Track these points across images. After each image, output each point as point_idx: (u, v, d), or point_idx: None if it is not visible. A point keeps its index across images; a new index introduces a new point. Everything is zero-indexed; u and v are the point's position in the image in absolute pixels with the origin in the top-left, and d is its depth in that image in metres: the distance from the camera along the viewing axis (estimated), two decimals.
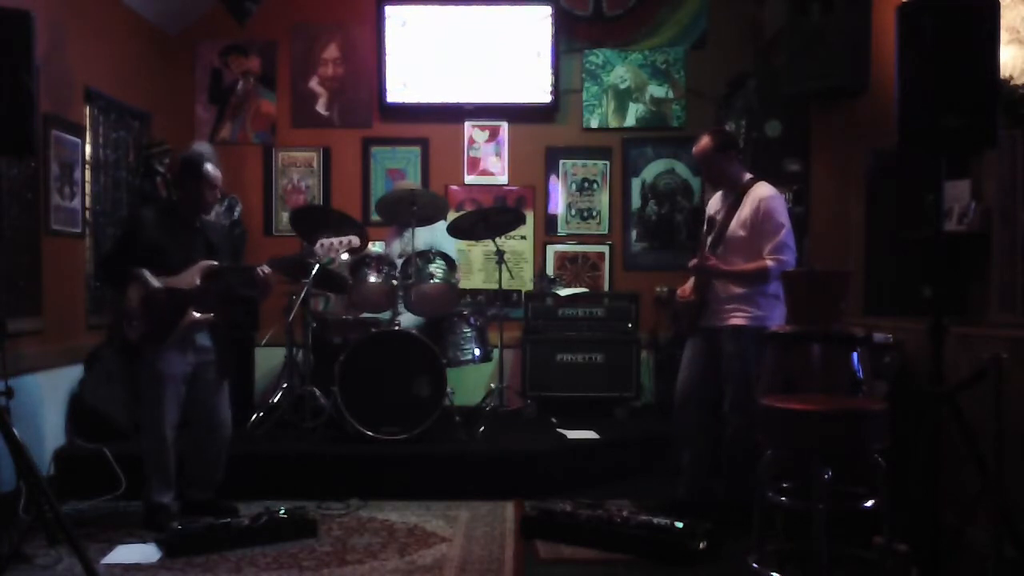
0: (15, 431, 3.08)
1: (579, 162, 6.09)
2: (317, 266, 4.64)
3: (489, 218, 4.98)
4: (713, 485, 3.93)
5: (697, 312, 3.87)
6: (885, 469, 2.96)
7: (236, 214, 5.49)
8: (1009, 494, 2.79)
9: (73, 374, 4.55)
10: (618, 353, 5.42)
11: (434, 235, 5.12)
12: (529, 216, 5.89)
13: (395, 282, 4.66)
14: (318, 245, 4.07)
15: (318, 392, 4.79)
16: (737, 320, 3.75)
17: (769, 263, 3.67)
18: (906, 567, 2.86)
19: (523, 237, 6.00)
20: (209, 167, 3.88)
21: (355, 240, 4.13)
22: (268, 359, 5.44)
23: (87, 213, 4.78)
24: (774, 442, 3.08)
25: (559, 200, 6.10)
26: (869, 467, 2.97)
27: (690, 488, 3.96)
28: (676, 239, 6.02)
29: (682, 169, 6.01)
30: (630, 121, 6.06)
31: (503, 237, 5.21)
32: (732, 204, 3.82)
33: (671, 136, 6.02)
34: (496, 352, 5.10)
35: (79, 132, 4.68)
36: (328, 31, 6.04)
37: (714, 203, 4.00)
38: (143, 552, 3.51)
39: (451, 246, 5.26)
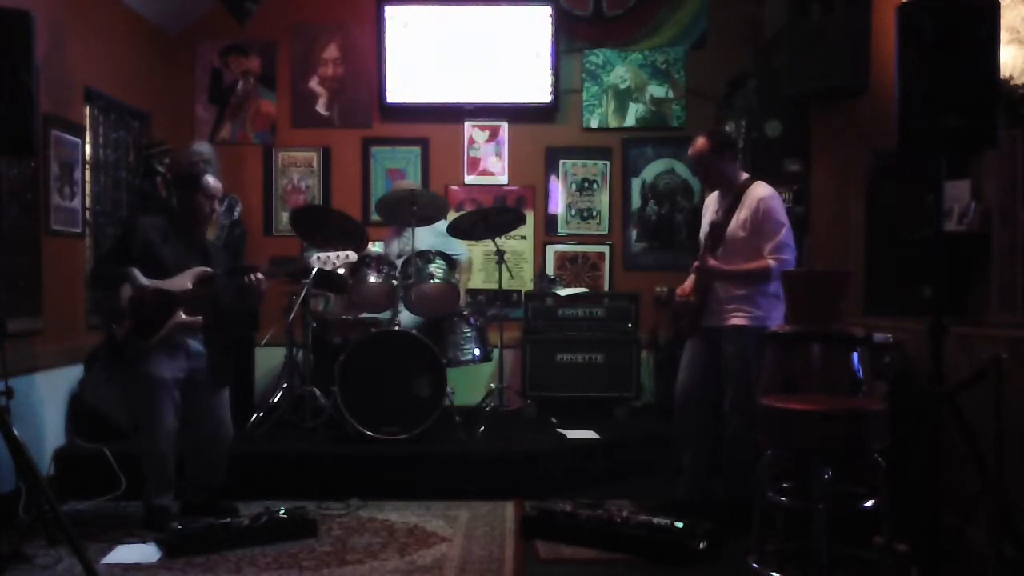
0: (15, 431, 3.08)
1: (579, 162, 6.09)
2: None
3: (489, 218, 4.98)
4: (713, 485, 3.93)
5: (697, 313, 3.86)
6: (885, 469, 2.96)
7: (236, 214, 5.49)
8: (1009, 494, 2.79)
9: (73, 374, 4.55)
10: (618, 353, 5.42)
11: (438, 237, 5.11)
12: (529, 216, 5.89)
13: (395, 282, 4.66)
14: (314, 258, 4.08)
15: (318, 392, 4.80)
16: (737, 320, 3.75)
17: (770, 263, 3.67)
18: (906, 567, 2.86)
19: (523, 237, 6.00)
20: (208, 179, 3.88)
21: (352, 255, 4.15)
22: (268, 359, 5.44)
23: (87, 213, 4.78)
24: (774, 442, 3.08)
25: (559, 200, 6.10)
26: (869, 467, 2.97)
27: (690, 488, 3.96)
28: (676, 239, 6.02)
29: (682, 169, 6.01)
30: (630, 121, 6.06)
31: (503, 237, 5.21)
32: (730, 205, 3.81)
33: (671, 136, 6.02)
34: (496, 352, 5.10)
35: (79, 132, 4.68)
36: (328, 31, 6.04)
37: (711, 204, 3.99)
38: (143, 552, 3.51)
39: (460, 247, 5.26)
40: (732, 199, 3.81)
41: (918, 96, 2.80)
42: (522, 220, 5.20)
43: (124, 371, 3.83)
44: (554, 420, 5.14)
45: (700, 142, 3.86)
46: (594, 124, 6.07)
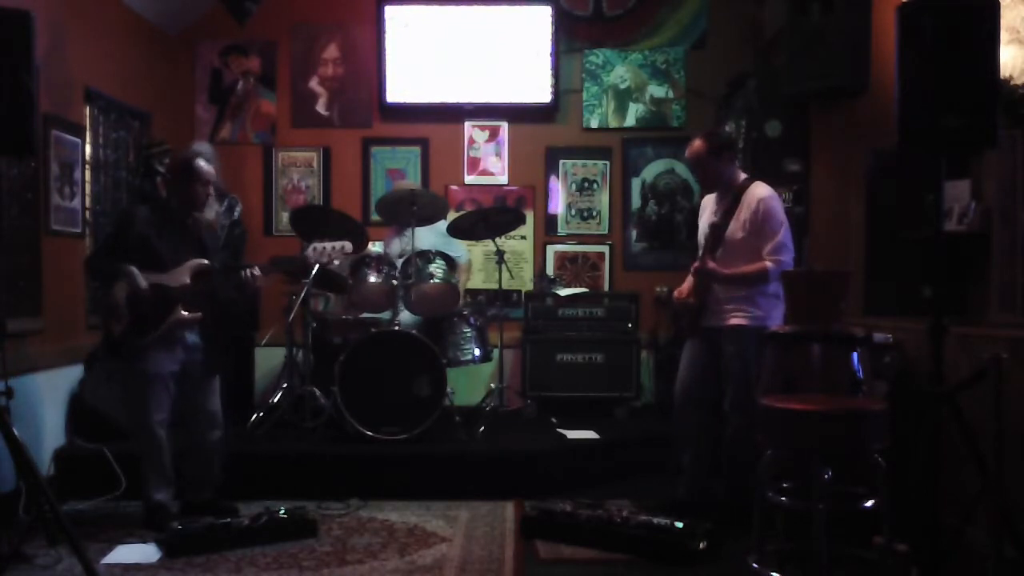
0: (15, 431, 3.08)
1: (579, 162, 6.09)
2: (317, 266, 4.65)
3: (489, 218, 4.98)
4: (713, 485, 3.93)
5: (697, 314, 3.86)
6: (885, 469, 2.96)
7: (236, 214, 5.49)
8: (1009, 494, 2.79)
9: (73, 374, 4.55)
10: (618, 353, 5.42)
11: (438, 238, 5.11)
12: (529, 216, 5.89)
13: (395, 282, 4.66)
14: (311, 249, 4.07)
15: (318, 392, 4.79)
16: (737, 320, 3.75)
17: (768, 265, 3.66)
18: (906, 567, 2.86)
19: (523, 237, 6.00)
20: (200, 162, 3.87)
21: (348, 246, 4.14)
22: (268, 359, 5.44)
23: (87, 213, 4.78)
24: (774, 442, 3.08)
25: (559, 200, 6.10)
26: (869, 467, 2.97)
27: (690, 488, 3.95)
28: (676, 239, 6.02)
29: (682, 169, 6.01)
30: (630, 121, 6.06)
31: (503, 237, 5.21)
32: (729, 206, 3.79)
33: (671, 136, 6.01)
34: (496, 352, 5.10)
35: (79, 132, 4.68)
36: (328, 31, 6.04)
37: (708, 204, 3.97)
38: (143, 552, 3.51)
39: (460, 249, 5.26)
40: (731, 200, 3.80)
41: (918, 96, 2.80)
42: (522, 220, 5.20)
43: (121, 367, 3.83)
44: (554, 420, 5.14)
45: (697, 144, 3.85)
46: (594, 124, 6.07)
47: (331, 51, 6.04)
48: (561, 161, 6.08)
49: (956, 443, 2.87)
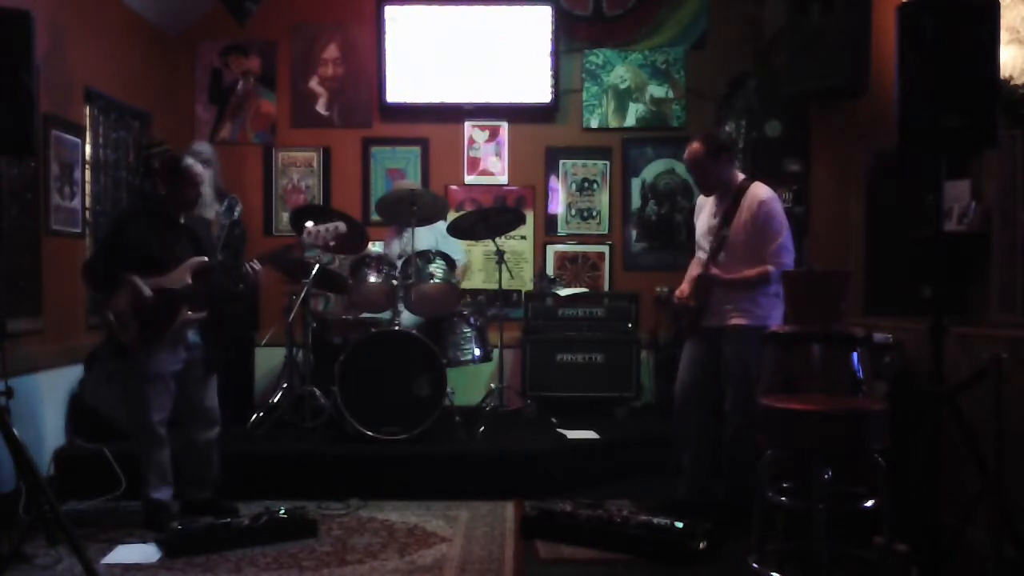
0: (15, 431, 3.08)
1: (579, 162, 6.09)
2: (317, 266, 4.65)
3: (489, 218, 4.98)
4: (713, 485, 3.93)
5: (698, 315, 3.85)
6: (885, 469, 2.96)
7: (236, 214, 5.48)
8: (1009, 494, 2.79)
9: (73, 374, 4.55)
10: (618, 353, 5.42)
11: (438, 236, 5.12)
12: (529, 216, 5.89)
13: (395, 282, 4.66)
14: (305, 233, 4.06)
15: (318, 392, 4.79)
16: (738, 320, 3.74)
17: (770, 268, 3.66)
18: (906, 567, 2.86)
19: (523, 237, 6.00)
20: (188, 163, 3.86)
21: (341, 226, 4.12)
22: (268, 359, 5.44)
23: (87, 213, 4.78)
24: (774, 442, 3.08)
25: (559, 200, 6.10)
26: (869, 467, 2.97)
27: (690, 488, 3.95)
28: (676, 239, 6.02)
29: (682, 169, 5.98)
30: (630, 121, 6.06)
31: (503, 237, 5.21)
32: (729, 207, 3.78)
33: (671, 136, 6.01)
34: (496, 352, 5.10)
35: (79, 132, 4.68)
36: (328, 31, 6.04)
37: (707, 205, 3.95)
38: (143, 552, 3.51)
39: (457, 248, 5.26)
40: (730, 201, 3.79)
41: (918, 96, 2.80)
42: (522, 220, 5.20)
43: (122, 366, 3.83)
44: (554, 420, 5.14)
45: (695, 146, 3.84)
46: (594, 124, 6.07)
47: (331, 51, 6.04)
48: (561, 161, 6.08)
49: (956, 443, 2.87)
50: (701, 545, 3.36)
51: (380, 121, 6.06)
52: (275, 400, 4.91)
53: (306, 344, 4.89)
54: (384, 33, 5.91)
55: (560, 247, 6.09)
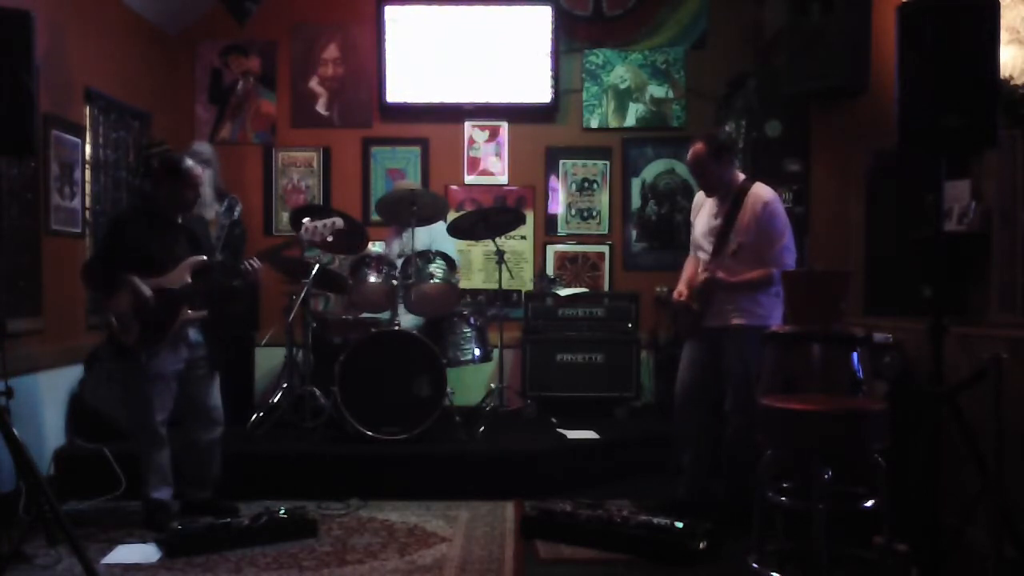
0: (15, 431, 3.08)
1: (579, 162, 6.09)
2: (317, 266, 4.66)
3: (489, 218, 4.98)
4: (713, 485, 3.93)
5: (699, 317, 3.85)
6: (885, 469, 2.96)
7: (236, 214, 5.48)
8: (1009, 494, 2.79)
9: (73, 374, 4.55)
10: (618, 353, 5.42)
11: (433, 236, 5.12)
12: (529, 216, 5.89)
13: (395, 282, 4.66)
14: (302, 229, 4.07)
15: (318, 392, 4.80)
16: (740, 320, 3.74)
17: (773, 270, 3.66)
18: (906, 567, 2.86)
19: (523, 237, 6.00)
20: (187, 163, 3.86)
21: (338, 221, 4.13)
22: (268, 359, 5.44)
23: (87, 213, 4.78)
24: (774, 442, 3.08)
25: (559, 200, 6.10)
26: (869, 467, 2.97)
27: (690, 488, 3.95)
28: (676, 239, 6.01)
29: (682, 169, 6.00)
30: (630, 121, 6.06)
31: (503, 237, 5.21)
32: (730, 208, 3.78)
33: (671, 136, 6.01)
34: (496, 352, 5.10)
35: (79, 132, 4.68)
36: (328, 31, 6.04)
37: (706, 205, 3.94)
38: (143, 552, 3.51)
39: (451, 246, 5.26)
40: (732, 202, 3.79)
41: (918, 96, 2.80)
42: (522, 220, 5.19)
43: (122, 366, 3.83)
44: (554, 420, 5.14)
45: (697, 147, 3.83)
46: (594, 124, 6.07)
47: (331, 51, 6.04)
48: (561, 161, 6.08)
49: (956, 443, 2.87)
50: (701, 545, 3.36)
51: (380, 121, 6.06)
52: (275, 400, 4.91)
53: (306, 344, 4.89)
54: (384, 33, 5.91)
55: (560, 247, 6.09)
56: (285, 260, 4.78)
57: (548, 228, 6.09)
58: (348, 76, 6.04)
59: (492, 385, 5.16)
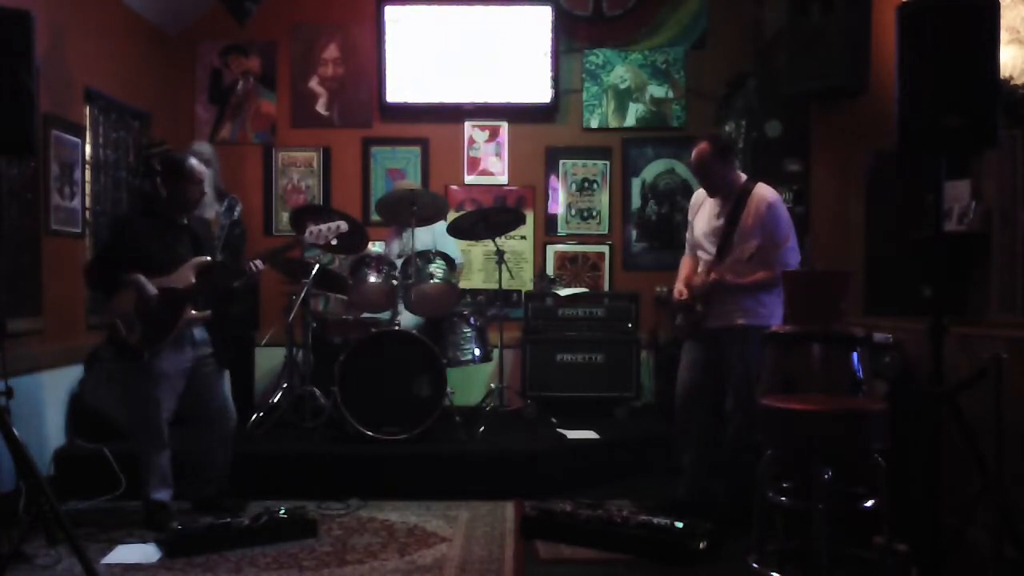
0: (15, 431, 3.08)
1: (579, 162, 6.09)
2: (317, 266, 4.65)
3: (489, 218, 4.98)
4: (713, 485, 3.93)
5: (702, 317, 3.84)
6: (885, 469, 2.96)
7: (236, 214, 5.48)
8: (1009, 494, 2.79)
9: (73, 374, 4.55)
10: (618, 353, 5.42)
11: (436, 237, 5.12)
12: (529, 216, 5.89)
13: (395, 282, 4.66)
14: (307, 232, 4.08)
15: (318, 392, 4.80)
16: (743, 320, 3.74)
17: (778, 271, 3.66)
18: (906, 567, 2.86)
19: (523, 237, 6.00)
20: (192, 162, 3.87)
21: (343, 225, 4.14)
22: (268, 359, 5.44)
23: (87, 213, 4.78)
24: (774, 442, 3.08)
25: (559, 200, 6.10)
26: (869, 467, 2.97)
27: (690, 488, 3.95)
28: (676, 239, 6.00)
29: (682, 169, 6.01)
30: (630, 121, 6.06)
31: (503, 237, 5.21)
32: (732, 208, 3.78)
33: (671, 136, 6.02)
34: (496, 352, 5.10)
35: (79, 132, 4.68)
36: (328, 31, 6.04)
37: (706, 205, 3.94)
38: (143, 552, 3.51)
39: (454, 247, 5.26)
40: (734, 202, 3.79)
41: (918, 96, 2.80)
42: (522, 220, 5.19)
43: (123, 366, 3.83)
44: (554, 420, 5.14)
45: (702, 146, 3.82)
46: (594, 124, 6.07)
47: (331, 51, 6.04)
48: (561, 161, 6.08)
49: (956, 443, 2.87)
50: (701, 545, 3.36)
51: (380, 121, 6.06)
52: (275, 400, 4.91)
53: (306, 344, 4.89)
54: (384, 33, 5.91)
55: (560, 247, 6.09)
56: (285, 260, 4.78)
57: (548, 228, 6.10)
58: (348, 76, 6.04)
59: (492, 385, 5.16)
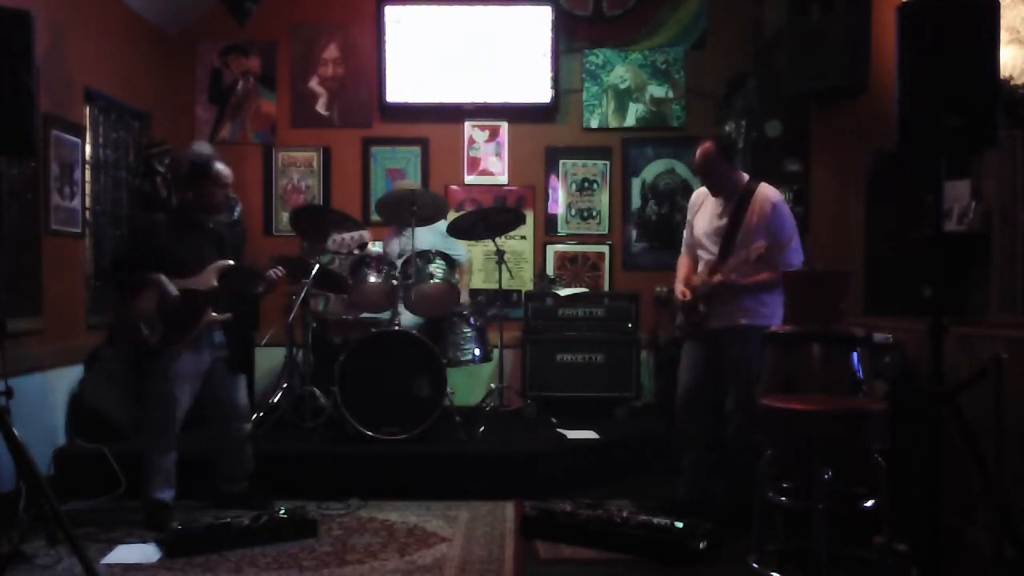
0: (15, 431, 3.08)
1: (579, 162, 6.09)
2: (317, 266, 4.65)
3: (489, 218, 4.98)
4: (713, 485, 3.93)
5: (704, 318, 3.84)
6: (885, 469, 2.96)
7: (236, 214, 5.49)
8: (1009, 494, 2.79)
9: (73, 374, 4.55)
10: (618, 353, 5.42)
11: (438, 237, 5.11)
12: (529, 216, 5.89)
13: (395, 282, 4.66)
14: (330, 241, 4.12)
15: (318, 392, 4.80)
16: (745, 320, 3.73)
17: (782, 271, 3.66)
18: (906, 567, 2.86)
19: (523, 237, 6.00)
20: (219, 166, 3.91)
21: (366, 235, 4.22)
22: (268, 359, 5.44)
23: (87, 213, 4.78)
24: (774, 442, 3.08)
25: (559, 200, 6.10)
26: (869, 467, 2.97)
27: (690, 488, 3.96)
28: (676, 239, 5.94)
29: (682, 169, 6.01)
30: (630, 121, 6.06)
31: (503, 237, 5.21)
32: (736, 209, 3.77)
33: (671, 136, 6.02)
34: (496, 352, 5.10)
35: (79, 132, 4.68)
36: (328, 31, 6.04)
37: (708, 204, 3.93)
38: (143, 552, 3.51)
39: (460, 249, 5.26)
40: (737, 202, 3.78)
41: (918, 96, 2.80)
42: (522, 220, 5.19)
43: (146, 366, 3.84)
44: (554, 420, 5.14)
45: (707, 146, 3.81)
46: (594, 124, 6.07)
47: (331, 51, 6.04)
48: (561, 161, 6.08)
49: (956, 443, 2.87)
50: (701, 545, 3.36)
51: (380, 121, 6.06)
52: (275, 400, 4.91)
53: (306, 344, 4.89)
54: (384, 33, 5.91)
55: (560, 247, 6.09)
56: (285, 260, 4.78)
57: (548, 228, 6.10)
58: (348, 76, 6.04)
59: (492, 385, 5.16)
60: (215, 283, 3.79)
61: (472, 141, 6.09)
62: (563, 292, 5.59)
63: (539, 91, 5.94)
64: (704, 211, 3.95)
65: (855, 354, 3.16)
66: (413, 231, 4.71)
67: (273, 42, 6.04)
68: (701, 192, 4.00)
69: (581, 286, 5.95)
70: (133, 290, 3.74)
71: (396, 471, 4.35)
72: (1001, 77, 2.92)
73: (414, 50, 5.92)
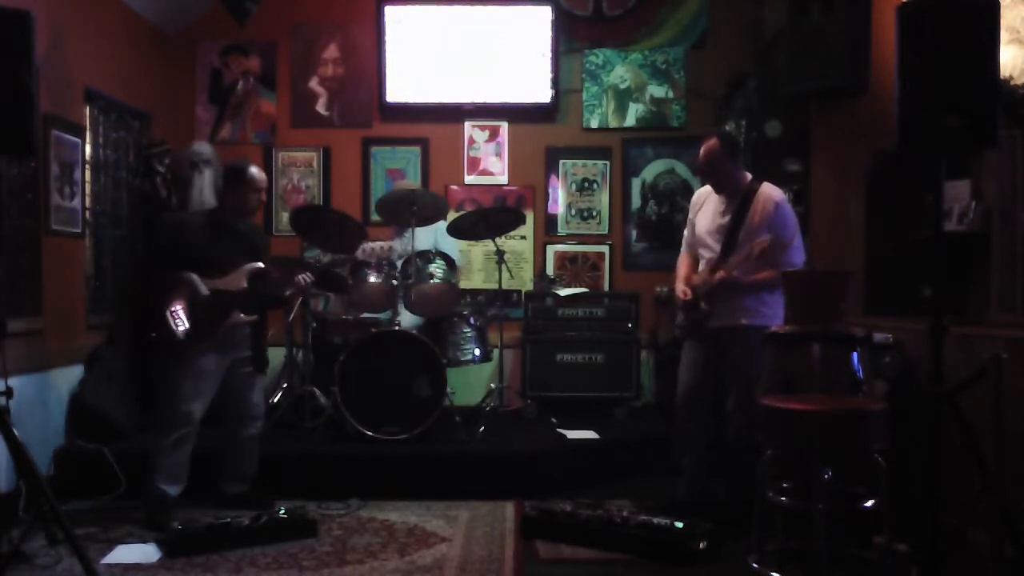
0: (15, 431, 3.08)
1: (579, 162, 6.09)
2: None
3: (489, 218, 4.98)
4: (713, 485, 3.93)
5: (706, 317, 3.84)
6: (885, 469, 2.96)
7: None
8: (1009, 494, 2.79)
9: (73, 374, 4.55)
10: (618, 353, 5.42)
11: (435, 236, 5.12)
12: (529, 216, 5.89)
13: (395, 282, 4.66)
14: (360, 251, 4.31)
15: (318, 392, 4.80)
16: (747, 320, 3.73)
17: (785, 270, 3.65)
18: (906, 567, 2.86)
19: (523, 237, 6.00)
20: (253, 170, 3.98)
21: (396, 246, 4.25)
22: (268, 359, 5.43)
23: (87, 213, 4.78)
24: (774, 442, 3.08)
25: (559, 200, 6.10)
26: (869, 467, 2.97)
27: (690, 488, 3.96)
28: (676, 239, 5.95)
29: (682, 169, 6.01)
30: (630, 121, 6.06)
31: (503, 237, 5.21)
32: (739, 207, 3.78)
33: (671, 136, 6.02)
34: (496, 352, 5.10)
35: (79, 132, 4.67)
36: (328, 31, 6.04)
37: (710, 203, 3.93)
38: (143, 552, 3.51)
39: (453, 247, 5.26)
40: (740, 201, 3.78)
41: (918, 96, 2.80)
42: (522, 220, 5.19)
43: (169, 359, 3.84)
44: (554, 420, 5.14)
45: (712, 144, 3.81)
46: (594, 124, 6.07)
47: (331, 51, 6.04)
48: (561, 161, 6.08)
49: (956, 443, 2.87)
50: (701, 545, 3.36)
51: (380, 121, 6.06)
52: (275, 400, 4.91)
53: (306, 344, 4.89)
54: (384, 33, 5.91)
55: (560, 247, 6.09)
56: (285, 261, 4.79)
57: (548, 228, 6.10)
58: (348, 76, 6.04)
59: (492, 385, 5.16)
60: (244, 285, 3.86)
61: (472, 141, 6.09)
62: (563, 292, 5.59)
63: (539, 91, 5.94)
64: (706, 209, 3.95)
65: (855, 354, 3.16)
66: (413, 231, 4.71)
67: (273, 42, 6.04)
68: (704, 191, 4.00)
69: (581, 286, 5.95)
70: (164, 287, 3.78)
71: (396, 471, 4.35)
72: (1001, 77, 2.92)
73: (414, 50, 5.92)
